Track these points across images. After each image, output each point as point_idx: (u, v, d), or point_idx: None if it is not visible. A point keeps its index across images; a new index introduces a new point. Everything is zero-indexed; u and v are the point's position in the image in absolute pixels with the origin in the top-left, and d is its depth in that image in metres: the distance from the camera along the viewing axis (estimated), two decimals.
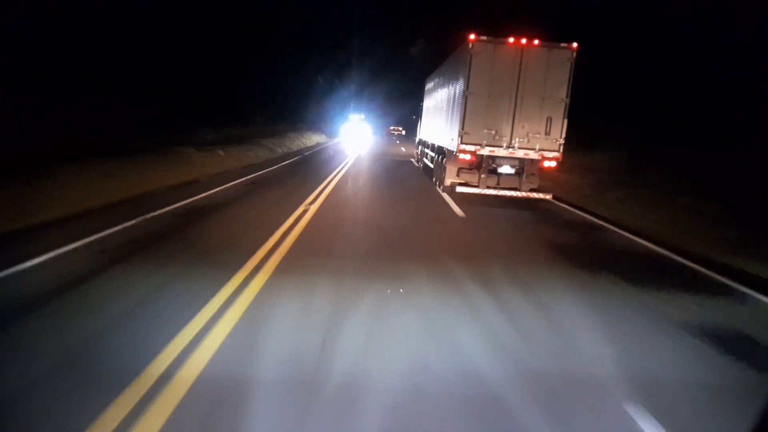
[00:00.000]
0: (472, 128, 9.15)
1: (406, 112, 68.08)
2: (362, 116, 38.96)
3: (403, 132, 60.47)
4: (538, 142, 9.15)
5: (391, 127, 59.64)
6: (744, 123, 14.51)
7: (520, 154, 9.19)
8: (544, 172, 9.54)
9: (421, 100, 17.92)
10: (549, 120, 9.09)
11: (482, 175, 9.39)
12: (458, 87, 9.53)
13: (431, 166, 13.32)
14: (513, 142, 9.16)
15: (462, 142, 9.18)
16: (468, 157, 9.27)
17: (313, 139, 29.81)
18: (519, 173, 9.47)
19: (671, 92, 17.62)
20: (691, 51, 17.13)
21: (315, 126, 36.78)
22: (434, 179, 12.19)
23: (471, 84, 9.03)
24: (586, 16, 20.78)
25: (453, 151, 9.62)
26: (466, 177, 9.74)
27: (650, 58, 19.07)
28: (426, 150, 15.21)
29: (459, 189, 9.38)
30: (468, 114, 9.11)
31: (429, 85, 15.27)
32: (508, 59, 8.98)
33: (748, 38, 14.85)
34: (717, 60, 16.26)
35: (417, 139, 18.85)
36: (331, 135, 37.57)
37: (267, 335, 3.22)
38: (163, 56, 21.86)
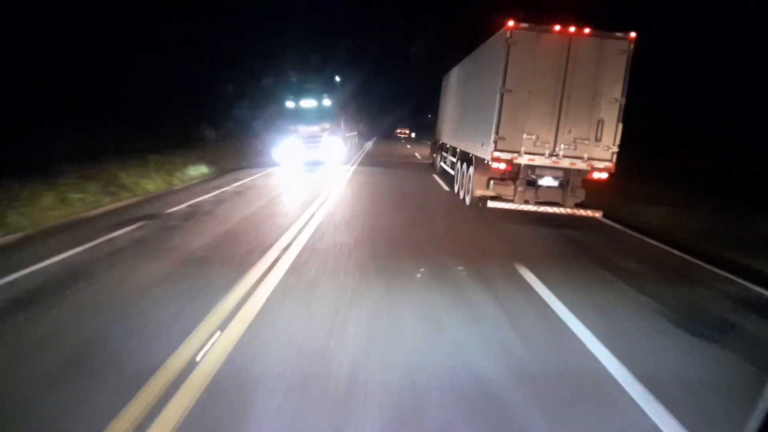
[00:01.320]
0: (508, 132, 7.72)
1: (410, 110, 66.89)
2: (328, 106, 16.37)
3: (413, 135, 58.56)
4: (586, 150, 7.70)
5: (398, 130, 57.95)
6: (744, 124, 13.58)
7: (566, 163, 7.74)
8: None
9: (438, 98, 16.52)
10: (600, 123, 7.64)
11: (519, 188, 7.95)
12: (491, 83, 8.10)
13: (452, 173, 11.90)
14: (557, 149, 7.72)
15: (496, 149, 7.75)
16: (503, 166, 7.84)
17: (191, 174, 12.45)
18: (563, 186, 8.03)
19: (669, 91, 16.38)
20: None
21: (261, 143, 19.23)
22: (457, 189, 10.75)
23: (508, 79, 7.60)
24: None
25: (484, 159, 8.20)
26: (498, 189, 8.31)
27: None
28: (446, 155, 13.77)
29: (492, 204, 7.95)
30: (504, 115, 7.68)
31: (449, 81, 13.83)
32: (553, 50, 7.55)
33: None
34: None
35: (433, 142, 17.44)
36: (260, 164, 16.39)
37: None
38: None
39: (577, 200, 8.01)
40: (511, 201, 8.02)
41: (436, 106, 18.06)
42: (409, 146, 35.03)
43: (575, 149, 7.72)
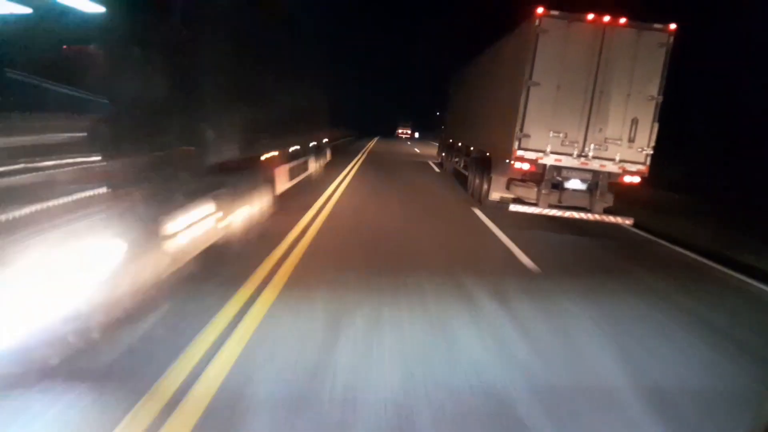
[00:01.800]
0: (533, 129, 7.06)
1: (414, 108, 65.98)
2: None
3: (416, 134, 57.56)
4: (618, 151, 7.04)
5: (399, 129, 57.05)
6: None
7: (595, 165, 7.09)
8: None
9: (447, 96, 15.88)
10: (634, 123, 6.99)
11: (543, 191, 7.28)
12: (515, 76, 7.43)
13: (465, 173, 11.23)
14: (586, 149, 7.06)
15: (519, 147, 7.10)
16: (526, 166, 7.18)
17: None
18: (591, 189, 7.36)
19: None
20: None
21: None
22: (471, 191, 10.08)
23: (536, 72, 6.94)
24: None
25: (505, 159, 7.53)
26: (519, 191, 7.65)
27: None
28: (458, 155, 13.11)
29: (514, 208, 7.27)
30: (530, 111, 7.02)
31: (461, 79, 13.19)
32: (585, 41, 6.89)
33: None
34: None
35: (442, 141, 16.79)
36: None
37: None
38: None
39: (606, 205, 7.34)
40: (534, 205, 7.35)
41: (443, 104, 17.44)
42: (416, 149, 34.38)
43: (606, 150, 7.06)
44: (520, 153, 7.10)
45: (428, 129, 56.08)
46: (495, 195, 8.15)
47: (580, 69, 6.94)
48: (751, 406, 2.69)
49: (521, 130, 7.07)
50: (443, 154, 16.00)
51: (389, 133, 56.29)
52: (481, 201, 8.95)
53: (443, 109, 17.39)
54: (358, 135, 52.94)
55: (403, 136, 56.73)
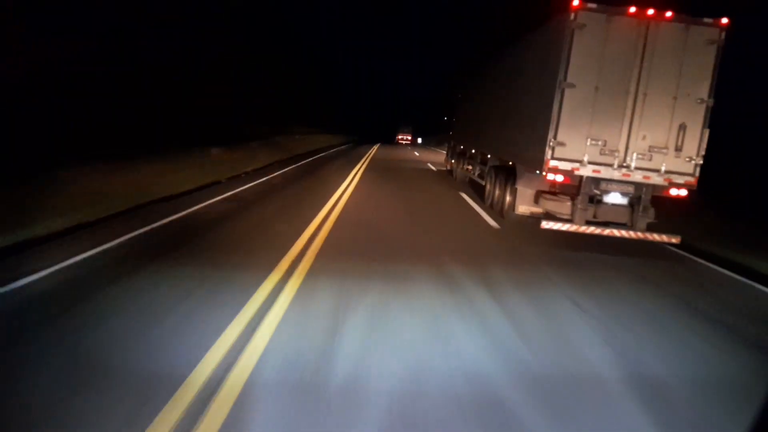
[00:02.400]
0: (569, 137, 6.25)
1: (415, 113, 65.26)
2: None
3: (419, 140, 56.61)
4: (664, 161, 6.25)
5: (399, 135, 56.20)
6: None
7: (638, 177, 6.28)
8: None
9: (453, 100, 15.08)
10: (682, 129, 6.19)
11: (579, 206, 6.46)
12: (545, 77, 6.64)
13: (480, 182, 10.41)
14: (628, 159, 6.26)
15: (553, 157, 6.28)
16: (560, 178, 6.36)
17: None
18: (632, 204, 6.55)
19: None
20: None
21: None
22: (490, 202, 9.25)
23: (571, 72, 6.14)
24: None
25: (535, 169, 6.73)
26: (549, 205, 6.84)
27: None
28: (470, 163, 12.30)
29: (546, 225, 6.44)
30: (564, 116, 6.22)
31: (472, 81, 12.40)
32: (627, 37, 6.11)
33: None
34: None
35: (450, 148, 15.98)
36: None
37: None
38: None
39: (649, 220, 6.52)
40: (569, 221, 6.52)
41: (450, 110, 16.69)
42: (416, 153, 33.60)
43: (650, 160, 6.26)
44: (553, 163, 6.29)
45: (430, 134, 55.43)
46: (521, 209, 7.33)
47: (621, 68, 6.15)
48: None
49: (555, 137, 6.26)
50: (452, 161, 15.17)
51: (391, 139, 55.54)
52: (504, 214, 8.13)
53: (450, 115, 16.61)
54: (357, 141, 52.74)
55: (404, 142, 55.79)
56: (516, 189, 7.42)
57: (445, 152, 18.25)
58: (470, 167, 12.49)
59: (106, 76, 14.37)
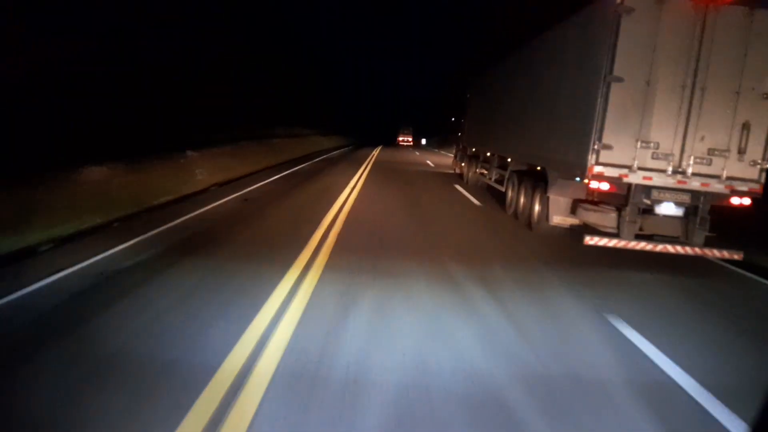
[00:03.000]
0: (615, 138, 5.40)
1: (417, 114, 64.22)
2: None
3: (423, 141, 55.44)
4: (725, 166, 5.39)
5: (400, 138, 55.19)
6: None
7: (695, 184, 5.43)
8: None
9: (464, 100, 14.22)
10: (745, 128, 5.35)
11: (628, 218, 5.60)
12: (586, 69, 5.80)
13: (500, 188, 9.55)
14: (684, 163, 5.41)
15: (598, 162, 5.43)
16: (605, 186, 5.51)
17: None
18: (688, 215, 5.69)
19: None
20: None
21: None
22: (513, 211, 8.39)
23: (618, 64, 5.29)
24: None
25: (574, 175, 5.90)
26: (590, 217, 5.98)
27: None
28: (486, 167, 11.47)
29: (591, 241, 5.57)
30: (610, 115, 5.36)
31: (487, 79, 11.53)
32: (682, 24, 5.26)
33: None
34: None
35: (459, 150, 15.13)
36: None
37: None
38: None
39: (706, 234, 5.67)
40: (615, 235, 5.67)
41: (458, 110, 15.84)
42: (419, 154, 32.76)
43: (709, 164, 5.40)
44: (598, 170, 5.43)
45: (430, 135, 54.53)
46: (555, 219, 6.47)
47: (676, 60, 5.29)
48: None
49: (599, 140, 5.40)
50: (462, 165, 14.33)
51: (392, 141, 54.62)
52: (532, 225, 7.27)
53: (458, 116, 15.75)
54: (358, 143, 51.88)
55: (404, 143, 54.66)
56: (548, 198, 6.56)
57: (445, 153, 17.37)
58: (484, 171, 11.66)
59: (106, 76, 13.86)
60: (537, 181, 7.17)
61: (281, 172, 14.52)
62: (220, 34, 25.98)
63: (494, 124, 10.32)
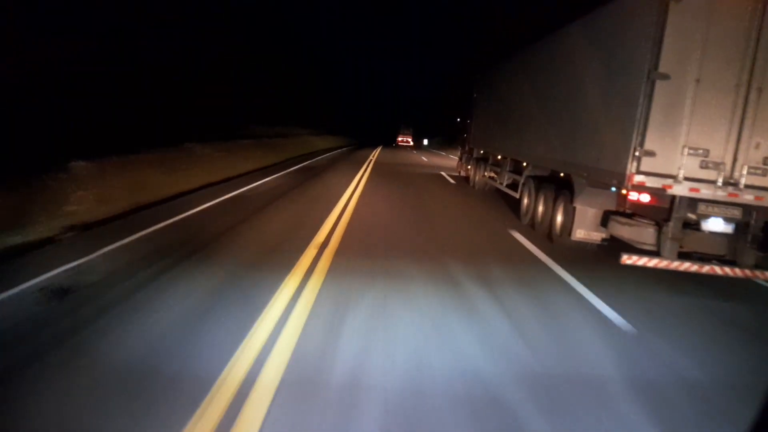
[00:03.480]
0: (659, 144, 4.72)
1: (417, 114, 63.41)
2: None
3: (425, 141, 54.43)
4: None
5: (400, 138, 54.37)
6: None
7: (748, 197, 4.75)
8: None
9: (472, 96, 13.51)
10: None
11: (670, 234, 4.92)
12: (626, 65, 5.10)
13: (513, 194, 8.86)
14: (736, 174, 4.73)
15: (639, 170, 4.75)
16: (646, 198, 4.84)
17: None
18: (740, 231, 5.02)
19: None
20: None
21: None
22: (529, 220, 7.70)
23: (664, 59, 4.61)
24: None
25: (607, 184, 5.23)
26: (624, 231, 5.30)
27: None
28: (497, 171, 10.81)
29: (629, 261, 4.88)
30: (654, 117, 4.68)
31: (498, 76, 10.84)
32: (738, 15, 4.58)
33: None
34: None
35: (465, 151, 14.44)
36: None
37: None
38: None
39: (758, 254, 5.00)
40: (656, 254, 4.99)
41: (463, 110, 15.14)
42: (423, 158, 32.07)
43: (765, 175, 4.73)
44: (639, 179, 4.75)
45: (431, 135, 53.79)
46: (580, 233, 5.79)
47: (729, 56, 4.61)
48: None
49: (641, 145, 4.72)
50: (468, 167, 13.63)
51: (393, 141, 53.86)
52: (553, 237, 6.58)
53: (464, 116, 15.05)
54: (358, 143, 50.98)
55: (404, 144, 53.76)
56: (574, 208, 5.88)
57: (446, 155, 16.67)
58: (493, 175, 10.98)
59: (106, 76, 13.68)
60: (560, 189, 6.49)
61: (274, 174, 13.76)
62: (220, 34, 25.68)
63: (506, 124, 9.63)
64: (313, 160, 21.35)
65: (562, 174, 6.61)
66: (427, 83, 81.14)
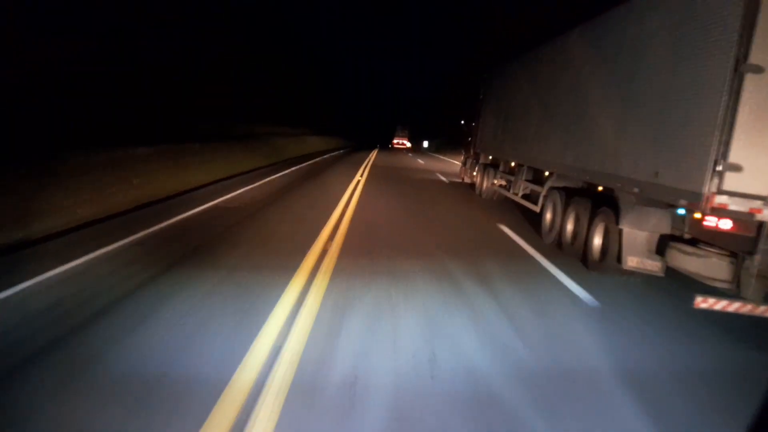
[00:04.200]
0: (749, 155, 3.63)
1: (416, 115, 61.99)
2: None
3: (425, 144, 52.96)
4: None
5: (395, 141, 53.19)
6: None
7: None
8: None
9: (478, 97, 12.47)
10: None
11: (753, 270, 3.84)
12: (699, 55, 4.00)
13: (530, 206, 7.78)
14: None
15: (721, 189, 3.67)
16: (727, 224, 3.77)
17: None
18: None
19: None
20: None
21: None
22: (553, 238, 6.59)
23: (756, 48, 3.53)
24: None
25: (674, 204, 4.15)
26: (688, 263, 4.22)
27: None
28: (500, 175, 9.76)
29: (704, 305, 3.75)
30: (742, 120, 3.59)
31: (520, 65, 9.77)
32: None
33: None
34: None
35: (470, 156, 13.37)
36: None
37: None
38: None
39: None
40: (736, 296, 3.91)
41: (468, 111, 14.08)
42: (410, 155, 31.00)
43: None
44: (721, 200, 3.66)
45: (429, 137, 52.69)
46: (633, 260, 4.70)
47: None
48: None
49: (725, 156, 3.65)
50: (474, 174, 12.54)
51: (390, 144, 52.76)
52: (588, 263, 5.47)
53: (469, 118, 13.97)
54: (355, 145, 49.58)
55: (399, 146, 52.24)
56: (620, 230, 4.80)
57: (446, 159, 15.57)
58: (504, 183, 9.92)
59: (106, 76, 13.53)
60: (598, 205, 5.40)
61: (259, 181, 12.50)
62: (220, 34, 25.02)
63: (524, 128, 8.52)
64: (301, 165, 20.19)
65: (600, 188, 5.54)
66: (427, 83, 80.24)
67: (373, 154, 30.43)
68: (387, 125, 61.72)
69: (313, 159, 22.66)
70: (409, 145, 52.54)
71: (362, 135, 58.97)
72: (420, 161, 26.86)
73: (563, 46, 6.99)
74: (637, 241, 4.72)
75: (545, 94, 7.52)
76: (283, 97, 35.66)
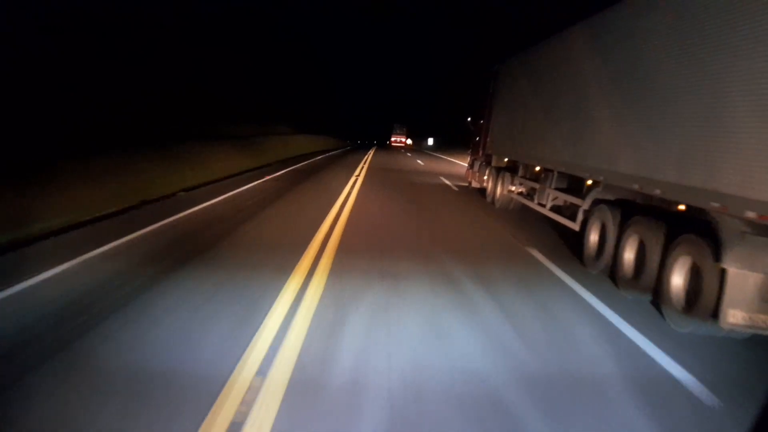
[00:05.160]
0: None
1: (415, 113, 59.94)
2: None
3: (430, 141, 50.77)
4: None
5: (393, 138, 51.67)
6: None
7: None
8: None
9: (488, 91, 11.02)
10: None
11: None
12: None
13: (571, 225, 6.30)
14: None
15: None
16: None
17: None
18: None
19: None
20: None
21: None
22: (604, 266, 5.04)
23: None
24: None
25: None
26: None
27: None
28: (519, 181, 8.33)
29: None
30: None
31: (528, 68, 8.33)
32: None
33: None
34: None
35: (478, 158, 11.92)
36: None
37: None
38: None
39: None
40: None
41: (477, 109, 12.62)
42: (409, 154, 29.55)
43: None
44: None
45: (427, 136, 51.20)
46: (737, 315, 3.23)
47: None
48: None
49: None
50: (485, 178, 11.06)
51: (388, 141, 51.33)
52: (666, 314, 3.96)
53: (477, 116, 12.50)
54: (352, 145, 48.05)
55: (397, 144, 50.52)
56: (722, 270, 3.35)
57: (448, 158, 14.10)
58: (523, 190, 8.49)
59: (106, 76, 13.65)
60: (679, 230, 3.93)
61: (237, 188, 10.87)
62: (220, 34, 24.43)
63: (552, 124, 7.00)
64: (295, 166, 18.69)
65: (682, 206, 4.08)
66: (429, 78, 78.71)
67: (370, 154, 29.00)
68: (386, 124, 60.48)
69: (302, 162, 20.62)
70: (409, 142, 50.95)
71: (360, 134, 57.64)
72: (419, 162, 25.40)
73: (609, 27, 5.47)
74: (747, 288, 3.27)
75: (582, 82, 6.03)
76: (282, 97, 35.16)
